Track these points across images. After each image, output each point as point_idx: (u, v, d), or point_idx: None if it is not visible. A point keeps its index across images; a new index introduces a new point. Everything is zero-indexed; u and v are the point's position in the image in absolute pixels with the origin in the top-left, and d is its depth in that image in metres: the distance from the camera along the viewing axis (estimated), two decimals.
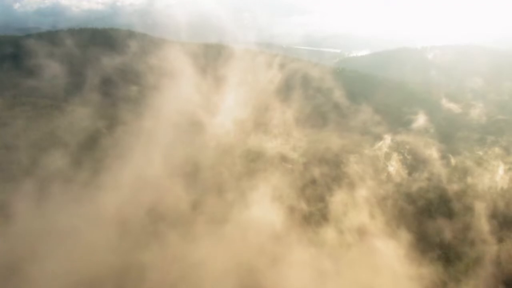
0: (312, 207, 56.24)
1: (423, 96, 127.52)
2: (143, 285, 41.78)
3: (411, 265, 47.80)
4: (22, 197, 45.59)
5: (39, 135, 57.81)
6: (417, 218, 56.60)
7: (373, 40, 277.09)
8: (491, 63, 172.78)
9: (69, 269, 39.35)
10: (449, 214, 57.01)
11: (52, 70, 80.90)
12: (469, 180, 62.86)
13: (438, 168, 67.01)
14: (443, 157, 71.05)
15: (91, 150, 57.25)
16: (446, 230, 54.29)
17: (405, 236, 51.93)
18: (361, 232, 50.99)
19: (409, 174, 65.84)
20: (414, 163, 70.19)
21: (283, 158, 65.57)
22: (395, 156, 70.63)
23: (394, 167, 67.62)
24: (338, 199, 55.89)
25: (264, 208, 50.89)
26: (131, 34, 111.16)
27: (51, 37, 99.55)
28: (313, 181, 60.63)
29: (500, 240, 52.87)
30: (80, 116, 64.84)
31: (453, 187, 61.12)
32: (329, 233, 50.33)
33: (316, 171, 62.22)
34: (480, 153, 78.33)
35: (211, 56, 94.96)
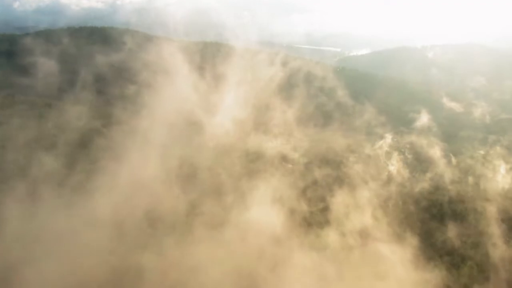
0: (313, 207, 55.30)
1: (424, 95, 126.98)
2: None
3: (416, 269, 46.73)
4: (14, 199, 44.21)
5: (33, 135, 56.37)
6: (420, 219, 55.70)
7: (373, 39, 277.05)
8: (492, 62, 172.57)
9: (63, 273, 38.29)
10: (453, 216, 56.16)
11: (48, 68, 79.89)
12: (473, 180, 62.10)
13: (442, 168, 66.06)
14: (446, 156, 70.13)
15: (87, 150, 56.03)
16: (450, 232, 53.34)
17: (408, 238, 50.87)
18: (364, 234, 49.85)
19: (412, 174, 64.80)
20: (417, 162, 69.25)
21: (284, 158, 64.66)
22: (397, 156, 69.78)
23: (396, 166, 66.75)
24: (339, 200, 54.79)
25: (264, 210, 49.59)
26: (129, 33, 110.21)
27: (49, 35, 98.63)
28: (314, 182, 59.74)
29: (507, 242, 51.76)
30: (75, 115, 63.47)
31: (457, 188, 60.20)
32: (331, 236, 49.12)
33: (317, 171, 61.28)
34: (482, 152, 77.82)
35: (210, 55, 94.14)
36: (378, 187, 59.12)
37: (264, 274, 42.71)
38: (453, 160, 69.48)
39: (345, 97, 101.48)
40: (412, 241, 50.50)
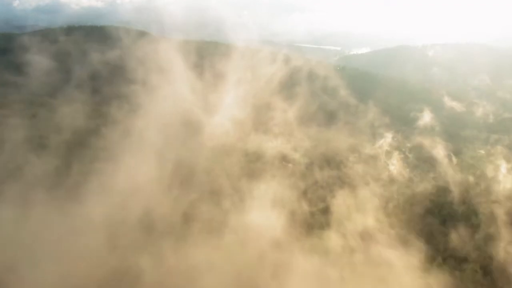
0: (314, 208, 54.44)
1: (424, 95, 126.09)
2: None
3: (419, 272, 45.80)
4: (6, 202, 42.99)
5: (26, 135, 55.19)
6: (422, 221, 54.74)
7: (373, 38, 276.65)
8: (492, 62, 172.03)
9: (56, 278, 37.30)
10: (455, 217, 55.20)
11: (44, 67, 78.70)
12: (476, 180, 61.32)
13: (444, 167, 65.35)
14: (449, 156, 69.48)
15: (82, 151, 54.85)
16: (453, 234, 52.43)
17: (411, 240, 50.03)
18: (366, 237, 48.91)
19: (414, 174, 64.01)
20: (419, 162, 68.57)
21: (284, 158, 63.86)
22: (398, 155, 69.20)
23: (397, 166, 66.11)
24: (340, 202, 53.93)
25: (264, 213, 48.62)
26: (128, 31, 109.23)
27: (46, 34, 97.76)
28: (315, 182, 58.86)
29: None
30: (70, 114, 62.26)
31: (460, 188, 59.31)
32: (332, 239, 48.25)
33: (317, 172, 60.52)
34: (485, 151, 77.26)
35: (210, 54, 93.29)
36: (380, 187, 58.36)
37: (265, 279, 41.67)
38: (457, 159, 68.82)
39: (345, 96, 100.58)
40: (415, 243, 49.86)
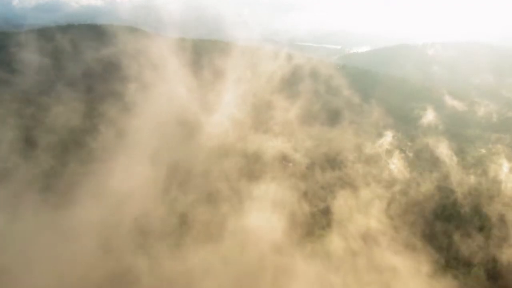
0: (314, 208, 53.65)
1: (425, 94, 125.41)
2: None
3: (422, 275, 45.00)
4: None
5: (18, 135, 54.09)
6: (425, 221, 53.96)
7: (373, 37, 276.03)
8: (494, 61, 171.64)
9: (49, 281, 36.41)
10: (458, 218, 54.46)
11: (39, 65, 77.68)
12: (480, 180, 60.67)
13: (447, 167, 64.71)
14: (452, 156, 68.83)
15: (75, 152, 53.77)
16: (456, 235, 51.66)
17: (415, 244, 49.14)
18: (368, 240, 47.95)
19: (416, 174, 63.23)
20: (421, 162, 67.90)
21: (285, 158, 63.20)
22: (399, 154, 68.58)
23: (398, 166, 65.41)
24: (341, 203, 53.09)
25: (264, 216, 47.44)
26: (126, 30, 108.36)
27: (42, 32, 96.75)
28: (316, 183, 58.07)
29: None
30: (64, 113, 61.17)
31: (463, 189, 58.61)
32: (335, 242, 47.08)
33: (318, 172, 59.79)
34: (485, 150, 76.77)
35: (210, 53, 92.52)
36: (382, 188, 57.56)
37: (265, 285, 40.43)
38: (460, 159, 68.10)
39: (346, 95, 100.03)
40: (418, 245, 49.13)
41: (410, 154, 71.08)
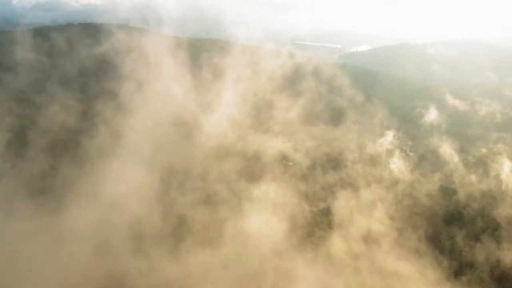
0: (315, 209, 53.18)
1: (426, 93, 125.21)
2: None
3: (424, 278, 44.42)
4: None
5: (11, 135, 53.43)
6: (427, 222, 53.52)
7: (373, 36, 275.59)
8: (494, 60, 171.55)
9: None
10: (461, 219, 53.86)
11: (33, 64, 76.78)
12: (483, 181, 60.29)
13: (451, 167, 64.37)
14: (456, 155, 68.55)
15: (69, 153, 52.66)
16: (458, 236, 51.13)
17: (417, 245, 48.48)
18: (369, 242, 47.25)
19: (419, 174, 62.91)
20: (423, 161, 67.72)
21: (285, 157, 62.83)
22: (400, 154, 68.19)
23: (400, 165, 65.04)
24: (343, 204, 52.46)
25: (264, 219, 46.48)
26: (124, 29, 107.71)
27: (38, 31, 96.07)
28: (316, 183, 57.59)
29: None
30: (58, 113, 60.42)
31: (466, 190, 58.14)
32: (337, 245, 46.07)
33: (319, 172, 59.39)
34: (487, 150, 76.58)
35: (209, 52, 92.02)
36: (383, 188, 57.10)
37: None
38: (463, 159, 67.80)
39: (346, 95, 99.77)
40: (420, 247, 48.59)
41: (412, 154, 70.75)
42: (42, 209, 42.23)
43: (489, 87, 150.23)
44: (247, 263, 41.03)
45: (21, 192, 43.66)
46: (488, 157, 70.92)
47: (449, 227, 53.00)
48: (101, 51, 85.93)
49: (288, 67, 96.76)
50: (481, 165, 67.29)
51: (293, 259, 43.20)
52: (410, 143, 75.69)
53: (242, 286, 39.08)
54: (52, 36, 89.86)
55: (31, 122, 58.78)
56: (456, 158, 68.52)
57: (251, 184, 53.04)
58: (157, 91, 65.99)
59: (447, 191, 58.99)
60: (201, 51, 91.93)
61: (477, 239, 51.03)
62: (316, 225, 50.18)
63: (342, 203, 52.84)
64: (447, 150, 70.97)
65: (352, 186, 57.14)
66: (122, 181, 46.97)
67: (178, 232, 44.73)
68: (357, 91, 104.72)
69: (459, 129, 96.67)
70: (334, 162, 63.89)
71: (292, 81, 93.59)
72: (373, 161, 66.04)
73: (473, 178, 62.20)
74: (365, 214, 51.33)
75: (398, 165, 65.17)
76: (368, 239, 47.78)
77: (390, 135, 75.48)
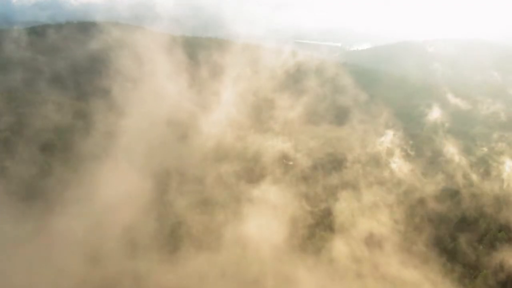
0: (315, 209, 52.25)
1: (427, 91, 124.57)
2: None
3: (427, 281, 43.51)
4: None
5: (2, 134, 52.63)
6: (430, 223, 52.67)
7: (374, 34, 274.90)
8: (495, 58, 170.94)
9: None
10: (464, 220, 53.03)
11: (27, 63, 75.88)
12: (487, 180, 59.51)
13: (454, 167, 63.55)
14: (459, 154, 67.82)
15: (62, 155, 51.12)
16: (461, 238, 50.32)
17: (421, 248, 47.52)
18: (371, 245, 46.30)
19: (421, 173, 62.30)
20: (425, 160, 67.12)
21: (285, 156, 62.02)
22: (401, 153, 67.46)
23: (401, 165, 64.28)
24: (344, 205, 51.37)
25: (263, 222, 44.97)
26: (124, 28, 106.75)
27: (34, 30, 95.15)
28: (317, 183, 56.67)
29: None
30: (51, 113, 58.93)
31: (470, 191, 57.23)
32: (339, 249, 44.74)
33: (320, 172, 58.50)
34: (488, 149, 75.99)
35: (209, 50, 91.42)
36: (385, 189, 56.17)
37: None
38: (467, 159, 67.06)
39: (347, 94, 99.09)
40: (423, 250, 47.73)
41: (414, 153, 69.95)
42: (32, 212, 41.09)
43: (491, 86, 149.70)
44: (246, 269, 39.87)
45: (9, 196, 42.47)
46: (490, 156, 70.27)
47: (452, 229, 52.04)
48: (97, 49, 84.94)
49: (288, 66, 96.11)
50: (484, 164, 66.67)
51: (294, 263, 42.02)
52: (411, 142, 74.81)
53: None
54: (47, 35, 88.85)
55: (22, 122, 57.23)
56: (459, 158, 67.73)
57: (250, 186, 51.94)
58: (155, 90, 64.97)
59: (450, 192, 57.98)
60: (200, 50, 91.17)
61: (480, 241, 50.12)
62: (317, 228, 48.93)
63: (344, 205, 51.72)
64: (451, 149, 70.18)
65: (353, 187, 56.18)
66: (115, 183, 45.67)
67: (174, 237, 43.59)
68: (358, 90, 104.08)
69: (462, 128, 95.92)
70: (335, 162, 63.07)
71: (292, 80, 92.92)
72: (374, 161, 65.22)
73: (476, 178, 61.36)
74: (367, 216, 50.21)
75: (398, 164, 64.36)
76: (371, 242, 46.67)
77: (391, 134, 74.69)
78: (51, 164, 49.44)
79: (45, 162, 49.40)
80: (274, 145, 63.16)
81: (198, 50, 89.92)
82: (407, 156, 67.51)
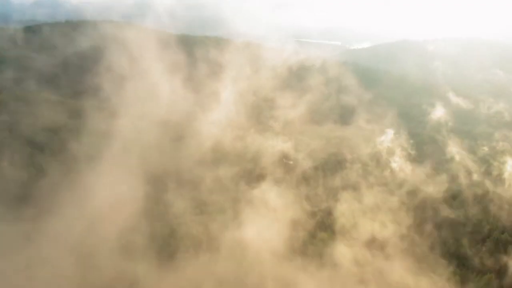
0: (316, 209, 51.51)
1: (428, 90, 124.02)
2: None
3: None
4: None
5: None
6: (432, 224, 51.97)
7: (374, 33, 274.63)
8: (497, 58, 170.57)
9: None
10: (466, 221, 52.34)
11: (20, 61, 75.18)
12: (491, 182, 58.82)
13: (458, 167, 62.94)
14: (461, 154, 67.29)
15: (57, 158, 49.88)
16: (464, 240, 49.54)
17: (424, 251, 46.79)
18: (374, 248, 45.45)
19: (422, 173, 61.66)
20: (427, 160, 66.55)
21: (285, 156, 61.40)
22: (402, 152, 66.92)
23: (403, 165, 63.73)
24: (345, 207, 50.64)
25: (263, 226, 43.83)
26: (123, 26, 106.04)
27: (29, 29, 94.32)
28: (317, 184, 55.93)
29: None
30: (47, 112, 58.31)
31: (473, 191, 56.57)
32: (340, 251, 43.75)
33: (320, 173, 57.78)
34: (489, 149, 75.50)
35: (208, 49, 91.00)
36: (387, 189, 55.49)
37: None
38: (471, 158, 66.49)
39: (348, 93, 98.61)
40: (426, 252, 47.03)
41: (416, 153, 69.41)
42: (24, 215, 40.28)
43: (492, 85, 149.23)
44: (245, 275, 38.81)
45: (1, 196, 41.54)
46: (493, 156, 69.81)
47: (456, 231, 51.29)
48: (94, 48, 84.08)
49: (289, 65, 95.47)
50: (486, 164, 66.17)
51: (294, 268, 41.02)
52: (412, 141, 74.22)
53: None
54: (42, 33, 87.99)
55: (14, 121, 56.18)
56: (463, 158, 67.16)
57: (250, 188, 51.04)
58: (152, 89, 64.11)
59: (453, 192, 57.29)
60: (199, 49, 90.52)
61: (484, 242, 49.40)
62: (318, 231, 48.05)
63: (345, 206, 50.86)
64: (454, 149, 69.58)
65: (354, 187, 55.43)
66: (109, 187, 44.67)
67: (170, 242, 42.58)
68: (358, 89, 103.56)
69: (464, 127, 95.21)
70: (335, 161, 62.50)
71: (292, 79, 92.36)
72: (375, 161, 64.64)
73: (480, 178, 60.79)
74: (369, 218, 49.37)
75: (400, 164, 63.77)
76: (373, 245, 45.86)
77: (392, 134, 74.20)
78: (43, 165, 48.54)
79: (37, 163, 48.57)
80: (274, 145, 62.56)
81: (197, 49, 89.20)
82: (408, 156, 66.95)
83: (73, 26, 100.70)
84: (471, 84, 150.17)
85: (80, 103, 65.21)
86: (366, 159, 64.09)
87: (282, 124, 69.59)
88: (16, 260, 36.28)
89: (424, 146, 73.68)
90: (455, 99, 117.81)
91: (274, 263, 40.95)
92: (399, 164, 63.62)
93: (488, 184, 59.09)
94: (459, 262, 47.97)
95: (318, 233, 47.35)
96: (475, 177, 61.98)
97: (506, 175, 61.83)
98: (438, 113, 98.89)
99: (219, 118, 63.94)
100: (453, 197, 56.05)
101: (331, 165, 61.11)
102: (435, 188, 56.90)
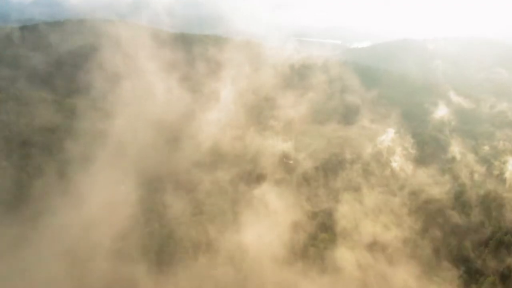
0: (316, 209, 50.57)
1: (428, 90, 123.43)
2: None
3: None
4: None
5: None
6: (437, 226, 50.97)
7: (374, 32, 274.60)
8: (498, 57, 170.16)
9: None
10: (468, 221, 51.42)
11: (14, 60, 74.39)
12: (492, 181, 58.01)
13: (460, 167, 62.09)
14: (465, 153, 66.48)
15: (52, 159, 48.93)
16: (467, 242, 48.58)
17: (427, 253, 45.85)
18: (375, 250, 44.43)
19: (423, 173, 60.65)
20: (429, 160, 65.73)
21: (285, 156, 60.55)
22: (403, 152, 66.11)
23: (403, 164, 62.95)
24: (346, 208, 49.49)
25: (262, 230, 42.73)
26: (122, 25, 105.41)
27: (26, 28, 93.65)
28: (318, 184, 54.96)
29: None
30: (41, 112, 57.04)
31: (475, 191, 55.60)
32: (342, 254, 42.61)
33: (321, 173, 56.85)
34: (487, 148, 74.95)
35: (207, 48, 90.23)
36: (388, 190, 54.69)
37: None
38: (474, 158, 65.69)
39: (348, 92, 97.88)
40: (429, 254, 46.08)
41: (417, 152, 68.62)
42: (17, 219, 39.28)
43: (493, 84, 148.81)
44: (245, 280, 37.85)
45: None
46: (494, 156, 69.10)
47: (458, 233, 50.43)
48: (92, 47, 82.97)
49: (289, 64, 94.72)
50: (487, 163, 65.46)
51: (295, 273, 40.04)
52: (413, 141, 73.39)
53: None
54: (41, 32, 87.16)
55: (6, 121, 55.23)
56: (466, 158, 66.35)
57: (250, 189, 50.02)
58: (149, 88, 63.19)
59: (456, 193, 56.44)
60: (198, 47, 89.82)
61: (486, 244, 48.46)
62: (319, 233, 46.97)
63: (346, 208, 49.75)
64: (457, 148, 68.75)
65: (355, 188, 54.49)
66: (104, 190, 43.61)
67: (166, 247, 41.57)
68: (359, 88, 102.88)
69: (465, 126, 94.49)
70: (336, 161, 61.65)
71: (292, 78, 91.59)
72: (376, 161, 63.82)
73: (483, 178, 59.94)
74: (371, 220, 48.38)
75: (399, 163, 62.97)
76: (374, 247, 44.87)
77: (393, 133, 73.44)
78: (38, 166, 47.62)
79: (32, 163, 47.69)
80: (274, 145, 61.69)
81: (195, 47, 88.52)
82: (412, 156, 66.24)
83: (71, 25, 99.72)
84: (471, 83, 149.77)
85: (76, 102, 64.17)
86: (368, 159, 63.04)
87: (282, 124, 68.52)
88: (10, 263, 35.58)
89: (426, 146, 72.58)
90: (456, 98, 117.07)
91: (274, 267, 39.97)
92: (401, 164, 62.75)
93: (489, 184, 58.28)
94: (462, 265, 46.92)
95: (319, 235, 46.35)
96: (477, 177, 60.93)
97: (507, 174, 61.02)
98: (440, 112, 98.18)
99: (218, 117, 62.72)
100: (456, 198, 55.23)
101: (332, 165, 60.14)
102: (437, 189, 55.90)
